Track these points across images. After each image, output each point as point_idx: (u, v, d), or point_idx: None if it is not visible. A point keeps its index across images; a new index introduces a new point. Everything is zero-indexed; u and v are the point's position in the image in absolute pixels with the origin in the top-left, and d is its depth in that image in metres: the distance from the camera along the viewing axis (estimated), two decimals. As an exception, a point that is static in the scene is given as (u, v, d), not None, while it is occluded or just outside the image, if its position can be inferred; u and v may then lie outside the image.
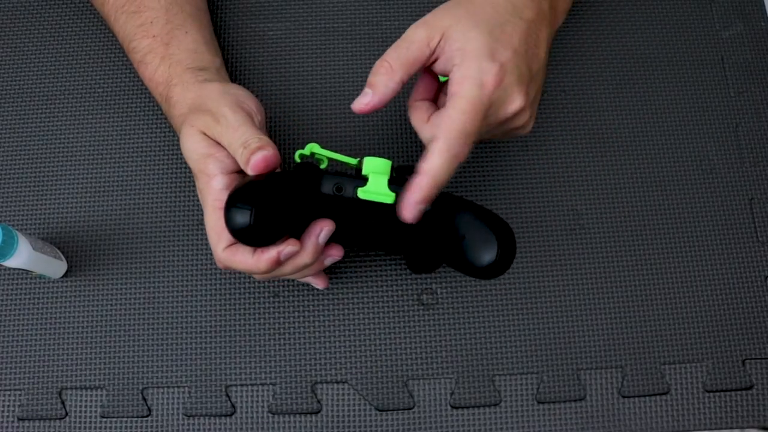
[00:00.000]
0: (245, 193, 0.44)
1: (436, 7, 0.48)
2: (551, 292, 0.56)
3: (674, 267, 0.57)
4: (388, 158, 0.50)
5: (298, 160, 0.49)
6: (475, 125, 0.45)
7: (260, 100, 0.60)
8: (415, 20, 0.62)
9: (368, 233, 0.49)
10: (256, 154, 0.44)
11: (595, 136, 0.60)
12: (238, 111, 0.47)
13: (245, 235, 0.44)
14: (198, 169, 0.48)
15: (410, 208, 0.45)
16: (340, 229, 0.47)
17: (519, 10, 0.48)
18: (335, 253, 0.49)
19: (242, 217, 0.43)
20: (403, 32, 0.60)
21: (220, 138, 0.47)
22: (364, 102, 0.47)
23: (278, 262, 0.45)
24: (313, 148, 0.49)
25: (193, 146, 0.48)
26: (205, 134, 0.47)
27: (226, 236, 0.46)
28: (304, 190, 0.47)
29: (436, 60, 0.47)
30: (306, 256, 0.46)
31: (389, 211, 0.47)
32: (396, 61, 0.47)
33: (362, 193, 0.47)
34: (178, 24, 0.54)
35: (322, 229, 0.46)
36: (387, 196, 0.47)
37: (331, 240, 0.48)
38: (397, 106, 0.60)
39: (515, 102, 0.47)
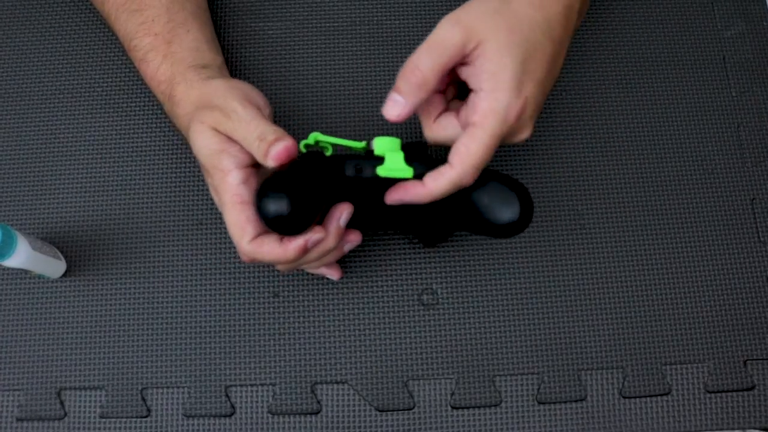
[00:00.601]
0: (277, 182, 0.44)
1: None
2: (552, 292, 0.56)
3: (675, 267, 0.57)
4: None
5: (303, 150, 0.49)
6: (488, 157, 0.46)
7: (260, 99, 0.60)
8: (416, 19, 0.62)
9: (387, 212, 0.49)
10: (276, 146, 0.44)
11: (596, 136, 0.60)
12: (247, 105, 0.47)
13: (281, 224, 0.45)
14: (211, 165, 0.47)
15: (391, 201, 0.47)
16: (357, 211, 0.48)
17: (552, 29, 0.47)
18: (354, 239, 0.50)
19: (278, 206, 0.44)
20: (404, 30, 0.60)
21: (233, 133, 0.46)
22: (396, 113, 0.46)
23: (305, 250, 0.46)
24: (317, 136, 0.49)
25: (204, 142, 0.47)
26: (216, 130, 0.47)
27: (250, 229, 0.46)
28: (330, 174, 0.47)
29: (463, 65, 0.47)
30: (330, 241, 0.47)
31: None
32: (430, 70, 0.45)
33: (382, 171, 0.47)
34: (179, 22, 0.53)
35: (342, 212, 0.47)
36: (406, 171, 0.47)
37: (349, 224, 0.48)
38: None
39: (525, 132, 0.48)
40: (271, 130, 0.45)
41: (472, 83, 0.46)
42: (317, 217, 0.46)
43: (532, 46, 0.46)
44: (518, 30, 0.46)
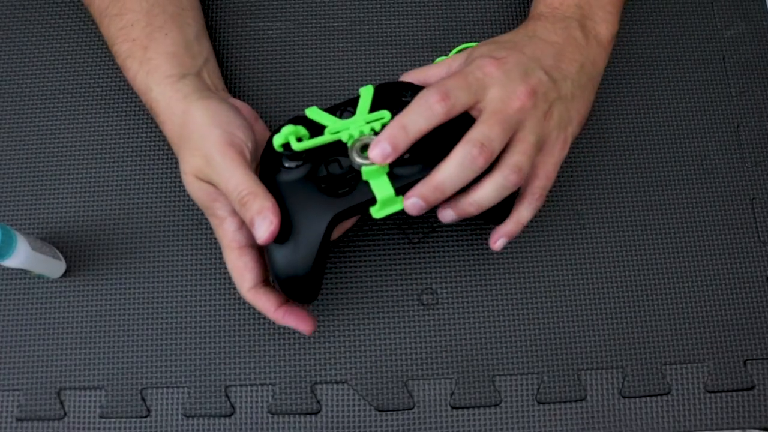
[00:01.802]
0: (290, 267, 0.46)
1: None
2: (552, 292, 0.56)
3: (675, 267, 0.57)
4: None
5: (279, 148, 0.46)
6: (456, 83, 0.46)
7: (258, 99, 0.60)
8: (415, 19, 0.62)
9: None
10: (260, 227, 0.44)
11: (595, 135, 0.60)
12: (226, 150, 0.46)
13: (296, 297, 0.47)
14: (207, 213, 0.49)
15: (376, 147, 0.44)
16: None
17: (543, 34, 0.50)
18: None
19: (295, 288, 0.47)
20: (402, 30, 0.62)
21: (215, 183, 0.46)
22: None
23: (291, 324, 0.49)
24: (288, 134, 0.46)
25: (195, 194, 0.48)
26: (200, 179, 0.47)
27: (249, 276, 0.48)
28: (329, 228, 0.46)
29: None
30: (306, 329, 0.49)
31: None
32: (411, 74, 0.51)
33: (376, 213, 0.46)
34: (158, 26, 0.52)
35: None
36: (398, 203, 0.46)
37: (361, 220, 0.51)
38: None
39: (518, 91, 0.46)
40: (250, 194, 0.44)
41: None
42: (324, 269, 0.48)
43: (514, 41, 0.50)
44: (499, 38, 0.51)
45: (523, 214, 0.50)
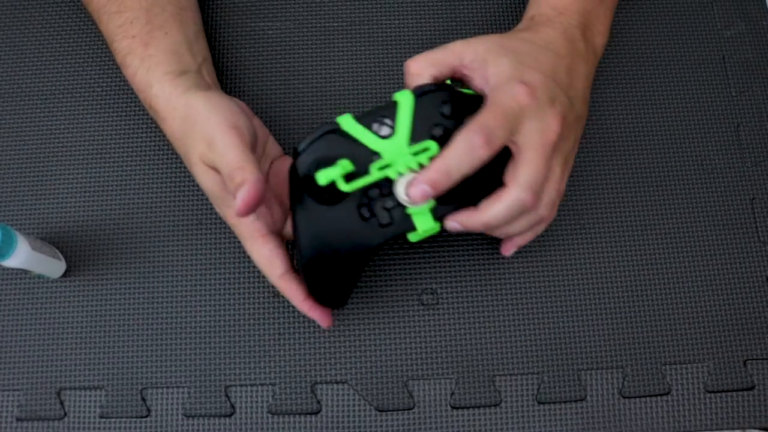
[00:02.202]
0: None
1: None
2: (551, 292, 0.56)
3: (675, 267, 0.57)
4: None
5: (323, 182, 0.45)
6: (497, 122, 0.44)
7: (259, 99, 0.60)
8: (415, 19, 0.62)
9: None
10: (238, 198, 0.43)
11: (595, 135, 0.60)
12: (226, 131, 0.46)
13: (327, 303, 0.49)
14: (221, 206, 0.49)
15: (416, 188, 0.44)
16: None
17: (555, 46, 0.49)
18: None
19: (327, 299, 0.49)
20: (402, 30, 0.62)
21: (217, 166, 0.46)
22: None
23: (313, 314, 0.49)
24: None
25: (205, 184, 0.48)
26: (207, 165, 0.47)
27: (279, 263, 0.48)
28: (369, 259, 0.48)
29: (470, 77, 0.48)
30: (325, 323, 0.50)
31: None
32: (425, 60, 0.48)
33: (414, 238, 0.47)
34: (158, 24, 0.53)
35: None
36: (435, 226, 0.47)
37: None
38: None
39: (552, 123, 0.46)
40: (237, 168, 0.44)
41: (485, 88, 0.47)
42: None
43: (530, 52, 0.48)
44: (511, 44, 0.48)
45: (539, 227, 0.51)
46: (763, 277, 0.56)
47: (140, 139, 0.59)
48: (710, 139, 0.60)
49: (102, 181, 0.58)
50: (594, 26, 0.52)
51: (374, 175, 0.45)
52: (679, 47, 0.62)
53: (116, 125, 0.59)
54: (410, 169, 0.45)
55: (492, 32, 0.62)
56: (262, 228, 0.48)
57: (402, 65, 0.61)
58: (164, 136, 0.59)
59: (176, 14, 0.54)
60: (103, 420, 0.53)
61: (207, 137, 0.47)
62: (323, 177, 0.44)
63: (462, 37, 0.61)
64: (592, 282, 0.56)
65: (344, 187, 0.45)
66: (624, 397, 0.54)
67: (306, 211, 0.46)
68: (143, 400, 0.53)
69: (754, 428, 0.54)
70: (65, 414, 0.53)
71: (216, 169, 0.47)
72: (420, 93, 0.46)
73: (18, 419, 0.53)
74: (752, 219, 0.58)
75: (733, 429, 0.54)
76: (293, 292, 0.48)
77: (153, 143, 0.59)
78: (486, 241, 0.57)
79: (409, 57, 0.61)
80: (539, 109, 0.46)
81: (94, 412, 0.53)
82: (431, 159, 0.45)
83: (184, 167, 0.58)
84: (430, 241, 0.56)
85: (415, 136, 0.46)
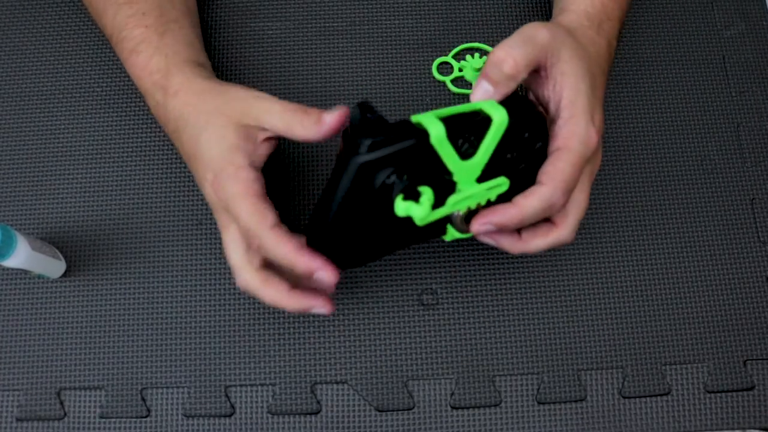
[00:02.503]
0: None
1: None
2: (551, 292, 0.56)
3: (675, 267, 0.57)
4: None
5: (402, 213, 0.42)
6: (575, 177, 0.45)
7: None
8: (415, 19, 0.62)
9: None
10: (332, 112, 0.44)
11: (595, 135, 0.60)
12: (264, 96, 0.47)
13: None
14: (223, 159, 0.45)
15: (480, 225, 0.44)
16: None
17: (604, 61, 0.49)
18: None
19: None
20: (403, 32, 0.60)
21: (263, 114, 0.46)
22: (486, 98, 0.44)
23: (312, 273, 0.44)
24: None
25: (220, 133, 0.46)
26: (238, 124, 0.46)
27: (271, 215, 0.44)
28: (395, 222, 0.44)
29: (542, 84, 0.46)
30: (328, 283, 0.45)
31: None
32: (523, 60, 0.44)
33: (446, 238, 0.46)
34: (172, 18, 0.53)
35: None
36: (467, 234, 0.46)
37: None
38: (401, 111, 0.60)
39: (598, 160, 0.48)
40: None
41: (551, 101, 0.46)
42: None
43: (595, 77, 0.47)
44: (586, 59, 0.46)
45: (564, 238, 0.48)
46: (763, 277, 0.56)
47: (140, 139, 0.59)
48: (710, 139, 0.60)
49: (102, 181, 0.58)
50: (612, 27, 0.52)
51: (449, 207, 0.43)
52: (679, 47, 0.62)
53: (116, 125, 0.59)
54: (479, 204, 0.45)
55: (492, 32, 0.62)
56: (259, 189, 0.45)
57: (402, 65, 0.61)
58: (164, 136, 0.59)
59: (185, 12, 0.55)
60: (103, 420, 0.53)
61: (254, 97, 0.47)
62: (402, 209, 0.41)
63: (462, 37, 0.62)
64: (592, 282, 0.56)
65: (420, 221, 0.42)
66: (624, 397, 0.54)
67: (353, 191, 0.42)
68: (143, 400, 0.53)
69: (754, 428, 0.54)
70: (65, 414, 0.53)
71: (248, 124, 0.46)
72: (510, 111, 0.42)
73: (18, 419, 0.53)
74: (752, 219, 0.58)
75: (733, 429, 0.54)
76: (287, 240, 0.44)
77: (153, 143, 0.59)
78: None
79: (409, 57, 0.61)
80: (599, 149, 0.47)
81: (94, 412, 0.53)
82: (499, 195, 0.45)
83: (184, 167, 0.58)
84: (430, 241, 0.56)
85: (492, 162, 0.43)
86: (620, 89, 0.61)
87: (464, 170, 0.43)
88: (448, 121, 0.41)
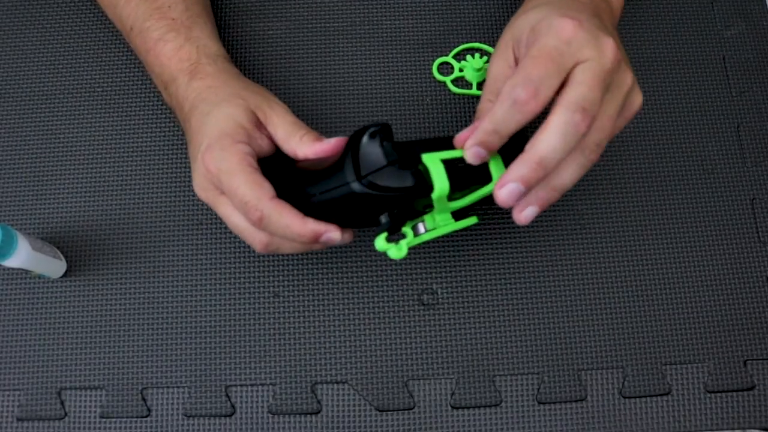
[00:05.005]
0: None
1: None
2: (552, 292, 0.56)
3: (675, 267, 0.57)
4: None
5: (379, 248, 0.45)
6: (543, 69, 0.40)
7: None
8: (415, 19, 0.62)
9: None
10: (326, 141, 0.46)
11: (595, 135, 0.60)
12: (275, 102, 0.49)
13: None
14: (223, 132, 0.46)
15: (510, 193, 0.41)
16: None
17: (582, 4, 0.46)
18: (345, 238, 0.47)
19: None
20: (403, 32, 0.61)
21: (271, 119, 0.47)
22: (483, 160, 0.44)
23: (317, 238, 0.44)
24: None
25: (232, 111, 0.47)
26: (253, 112, 0.47)
27: (268, 186, 0.44)
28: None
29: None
30: (337, 240, 0.45)
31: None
32: (491, 95, 0.46)
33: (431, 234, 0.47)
34: (196, 13, 0.53)
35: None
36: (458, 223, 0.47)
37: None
38: (401, 111, 0.60)
39: (606, 49, 0.41)
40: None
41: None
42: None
43: (565, 4, 0.44)
44: (546, 3, 0.45)
45: (571, 175, 0.43)
46: (763, 277, 0.56)
47: (140, 139, 0.59)
48: (710, 139, 0.60)
49: (102, 181, 0.58)
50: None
51: (423, 238, 0.46)
52: (679, 47, 0.62)
53: (116, 125, 0.59)
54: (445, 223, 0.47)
55: (492, 32, 0.62)
56: (254, 164, 0.45)
57: (402, 65, 0.61)
58: (165, 136, 0.59)
59: (207, 9, 0.56)
60: (104, 420, 0.53)
61: (271, 100, 0.49)
62: (381, 247, 0.44)
63: (462, 37, 0.62)
64: (592, 282, 0.56)
65: (393, 257, 0.45)
66: (624, 397, 0.54)
67: (340, 198, 0.44)
68: (143, 400, 0.53)
69: (754, 428, 0.54)
70: (65, 414, 0.53)
71: (258, 118, 0.48)
72: (509, 158, 0.43)
73: (18, 419, 0.53)
74: (752, 219, 0.58)
75: (733, 429, 0.54)
76: (289, 208, 0.43)
77: (153, 143, 0.59)
78: (486, 242, 0.57)
79: (409, 57, 0.61)
80: (592, 37, 0.40)
81: (95, 412, 0.53)
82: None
83: (184, 167, 0.58)
84: (430, 241, 0.56)
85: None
86: (620, 89, 0.61)
87: (445, 207, 0.46)
88: (451, 170, 0.43)
